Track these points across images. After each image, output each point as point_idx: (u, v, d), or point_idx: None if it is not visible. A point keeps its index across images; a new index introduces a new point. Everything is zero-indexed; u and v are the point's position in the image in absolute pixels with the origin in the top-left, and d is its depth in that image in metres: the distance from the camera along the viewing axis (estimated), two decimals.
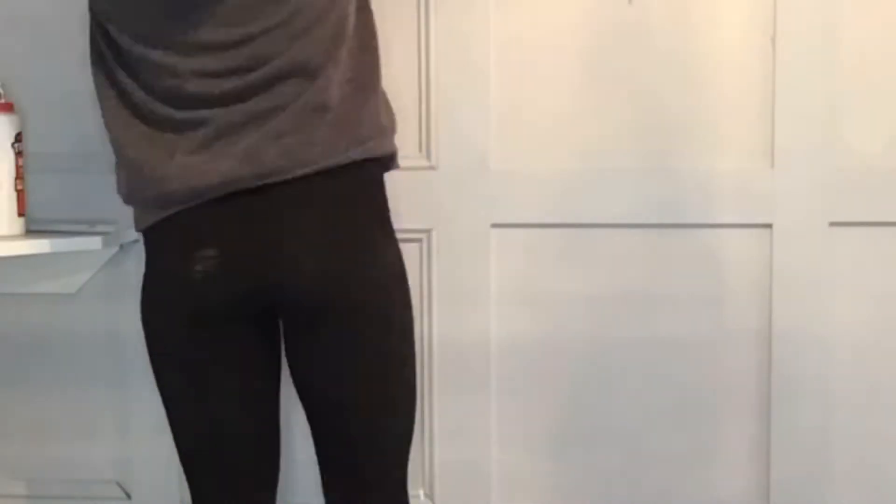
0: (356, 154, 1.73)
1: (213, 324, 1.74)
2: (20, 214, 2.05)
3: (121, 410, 2.29)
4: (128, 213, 1.82)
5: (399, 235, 1.80)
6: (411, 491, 1.86)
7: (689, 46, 2.12)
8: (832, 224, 2.11)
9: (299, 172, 1.69)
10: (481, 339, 2.20)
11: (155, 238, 1.78)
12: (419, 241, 2.19)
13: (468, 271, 2.20)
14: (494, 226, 2.19)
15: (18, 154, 2.04)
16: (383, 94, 1.84)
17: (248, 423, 1.83)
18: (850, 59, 2.09)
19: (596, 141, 2.14)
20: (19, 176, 2.04)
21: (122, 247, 2.22)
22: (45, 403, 2.32)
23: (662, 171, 2.14)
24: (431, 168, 2.19)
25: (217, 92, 1.69)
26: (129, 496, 2.31)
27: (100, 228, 2.16)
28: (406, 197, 2.16)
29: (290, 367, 1.81)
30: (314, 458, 1.86)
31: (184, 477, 1.86)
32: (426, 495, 2.25)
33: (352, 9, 1.75)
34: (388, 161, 1.82)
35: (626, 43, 2.14)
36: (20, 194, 2.05)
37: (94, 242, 2.09)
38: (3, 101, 2.05)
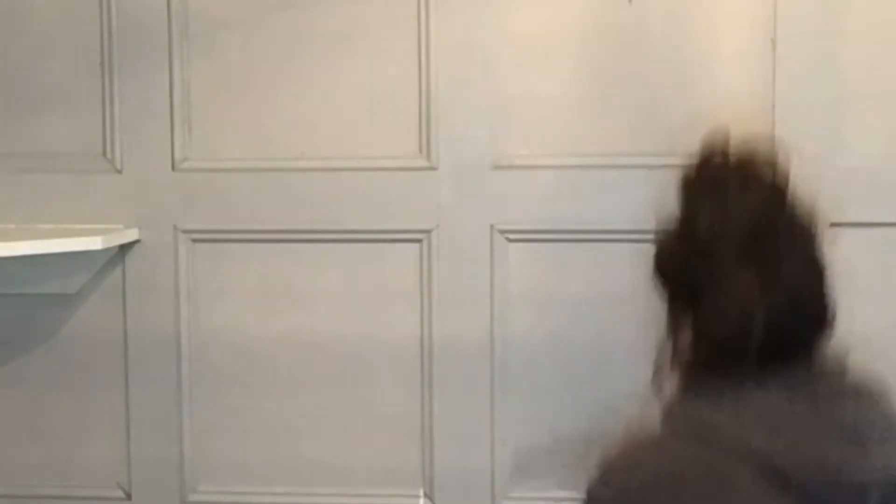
0: None
1: None
2: None
3: (121, 410, 2.28)
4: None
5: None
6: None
7: (689, 46, 2.12)
8: (832, 224, 2.11)
9: None
10: (481, 339, 2.20)
11: None
12: (419, 241, 2.19)
13: (468, 272, 2.20)
14: (495, 226, 2.19)
15: None
16: None
17: None
18: (850, 59, 2.09)
19: (596, 141, 2.14)
20: None
21: (121, 247, 2.22)
22: (45, 403, 2.32)
23: (662, 171, 2.13)
24: (431, 168, 2.19)
25: None
26: (129, 496, 2.31)
27: (100, 228, 2.17)
28: (406, 197, 2.17)
29: None
30: None
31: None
32: (426, 495, 2.25)
33: None
34: None
35: (626, 43, 2.14)
36: None
37: (94, 242, 2.10)
38: None
